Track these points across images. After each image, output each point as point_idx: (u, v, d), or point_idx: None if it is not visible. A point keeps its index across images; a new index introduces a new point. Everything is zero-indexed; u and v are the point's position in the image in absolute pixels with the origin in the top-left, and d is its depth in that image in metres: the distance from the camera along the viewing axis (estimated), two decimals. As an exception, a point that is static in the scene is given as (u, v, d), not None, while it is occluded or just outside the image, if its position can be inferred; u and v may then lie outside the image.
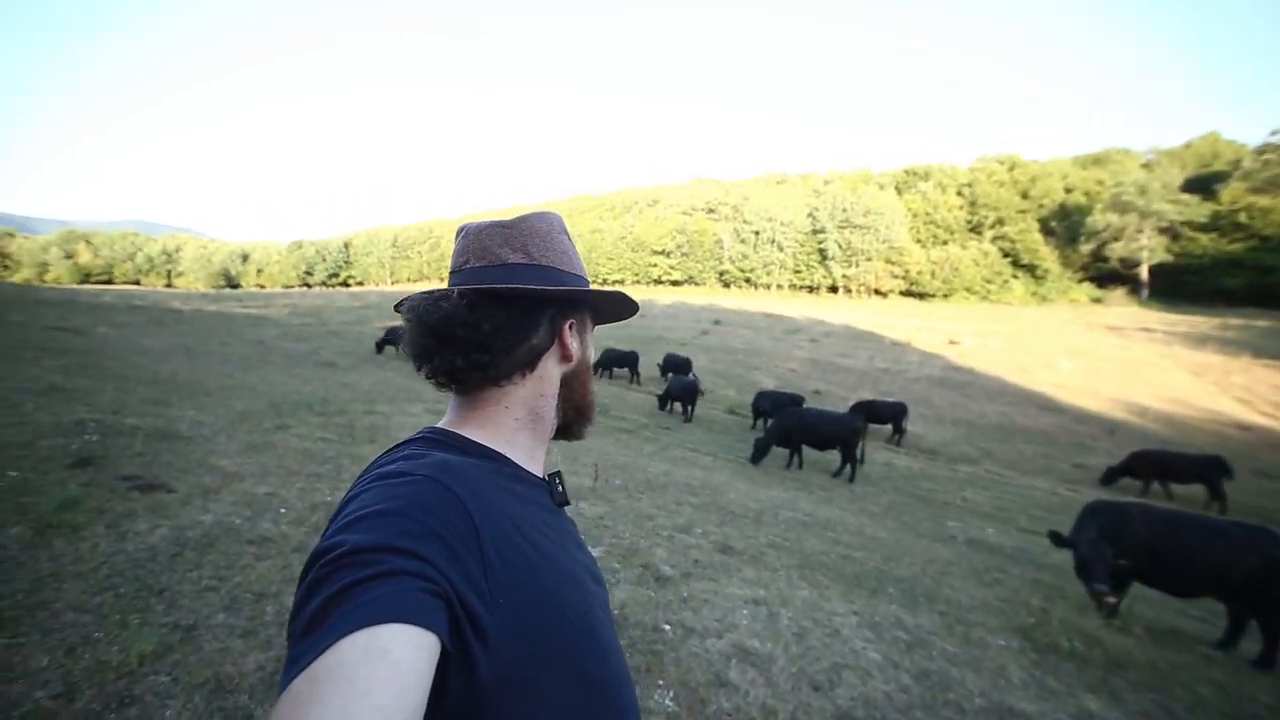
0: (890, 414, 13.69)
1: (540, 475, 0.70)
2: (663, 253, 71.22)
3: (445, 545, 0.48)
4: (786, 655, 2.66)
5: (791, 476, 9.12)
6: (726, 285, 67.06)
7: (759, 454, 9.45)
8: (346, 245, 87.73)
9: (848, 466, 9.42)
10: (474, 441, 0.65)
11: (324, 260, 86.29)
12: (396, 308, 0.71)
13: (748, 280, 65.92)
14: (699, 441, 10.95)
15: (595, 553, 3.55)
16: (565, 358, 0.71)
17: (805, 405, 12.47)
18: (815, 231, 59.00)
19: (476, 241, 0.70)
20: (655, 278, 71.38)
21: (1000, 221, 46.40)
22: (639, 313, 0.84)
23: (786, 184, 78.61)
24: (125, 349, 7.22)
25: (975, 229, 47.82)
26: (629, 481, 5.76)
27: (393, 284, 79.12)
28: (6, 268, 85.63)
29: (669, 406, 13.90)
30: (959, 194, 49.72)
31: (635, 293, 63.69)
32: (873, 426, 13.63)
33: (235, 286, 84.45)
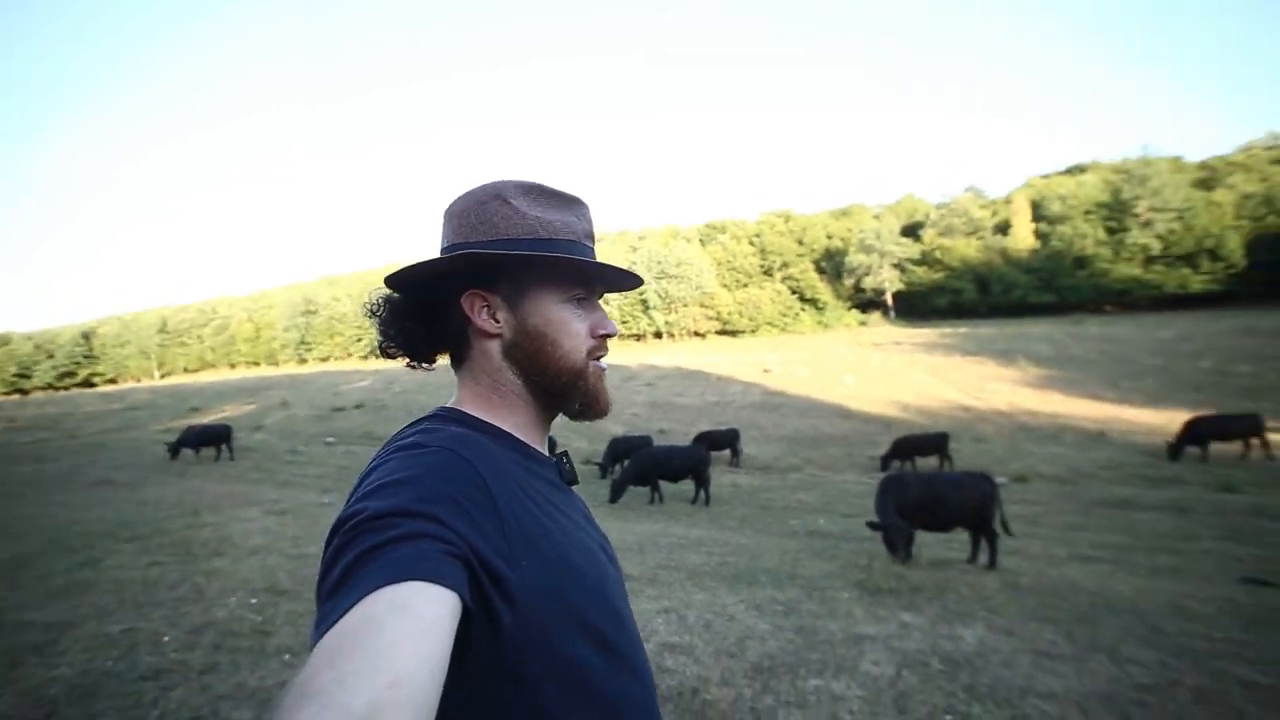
0: (727, 440, 15.45)
1: (545, 453, 0.72)
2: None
3: (462, 510, 0.50)
4: (702, 641, 3.27)
5: (657, 510, 9.91)
6: (559, 340, 68.13)
7: (617, 493, 10.11)
8: (87, 335, 71.13)
9: (702, 492, 10.54)
10: (479, 418, 0.67)
11: (49, 357, 68.84)
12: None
13: (579, 334, 67.77)
14: (566, 494, 11.23)
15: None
16: (483, 333, 0.67)
17: (654, 444, 13.55)
18: (636, 284, 63.58)
19: None
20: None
21: (785, 265, 55.27)
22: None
23: (605, 241, 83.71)
24: None
25: (767, 272, 56.09)
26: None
27: (163, 377, 65.50)
28: None
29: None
30: (750, 243, 58.05)
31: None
32: (715, 454, 15.24)
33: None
